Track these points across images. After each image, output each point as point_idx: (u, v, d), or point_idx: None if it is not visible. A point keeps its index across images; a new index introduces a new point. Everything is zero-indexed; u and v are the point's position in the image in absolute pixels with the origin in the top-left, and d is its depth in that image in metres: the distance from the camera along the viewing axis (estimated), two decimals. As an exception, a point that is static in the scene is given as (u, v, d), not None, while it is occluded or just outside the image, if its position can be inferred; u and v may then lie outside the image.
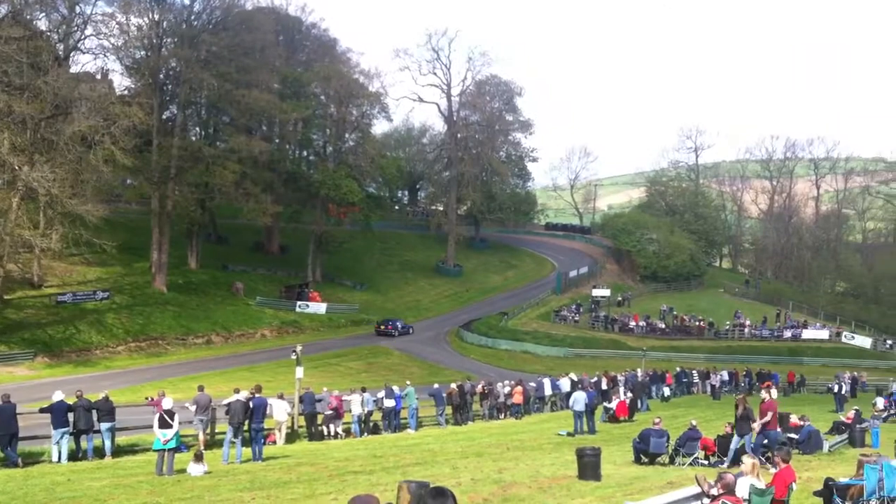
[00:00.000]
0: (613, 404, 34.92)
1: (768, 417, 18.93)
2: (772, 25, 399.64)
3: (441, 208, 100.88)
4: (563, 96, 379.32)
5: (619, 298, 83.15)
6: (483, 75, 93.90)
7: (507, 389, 36.62)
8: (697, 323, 76.56)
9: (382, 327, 66.12)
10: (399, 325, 67.03)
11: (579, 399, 29.61)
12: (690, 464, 20.00)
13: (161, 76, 61.10)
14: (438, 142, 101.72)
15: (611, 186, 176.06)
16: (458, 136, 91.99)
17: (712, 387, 49.00)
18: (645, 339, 70.19)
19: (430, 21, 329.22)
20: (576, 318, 75.38)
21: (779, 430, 19.17)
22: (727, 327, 77.19)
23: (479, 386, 37.14)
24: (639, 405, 37.00)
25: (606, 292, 79.83)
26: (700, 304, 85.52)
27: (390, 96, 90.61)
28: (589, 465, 17.00)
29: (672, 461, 20.49)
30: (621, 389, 39.18)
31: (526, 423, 34.13)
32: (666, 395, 45.96)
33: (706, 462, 20.42)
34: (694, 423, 21.58)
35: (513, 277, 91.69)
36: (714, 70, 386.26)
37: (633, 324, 74.46)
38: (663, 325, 75.92)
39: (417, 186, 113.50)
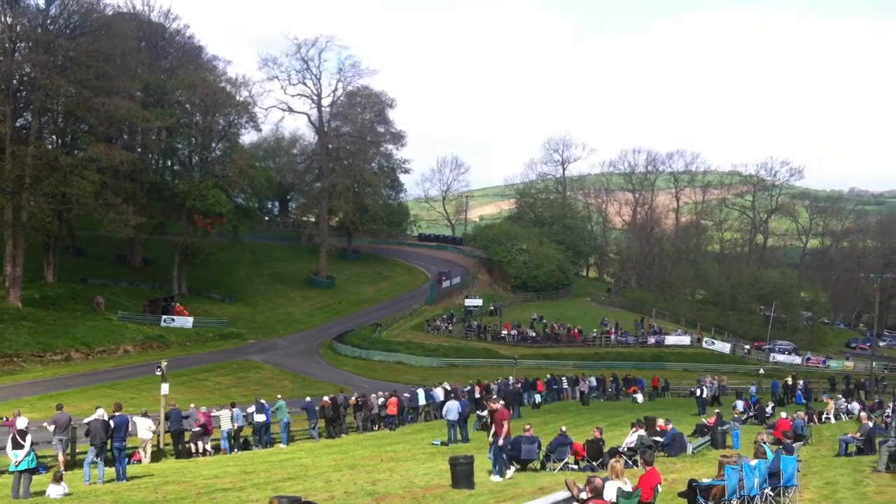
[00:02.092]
0: (486, 412, 35.28)
1: (506, 427, 18.89)
2: (635, 43, 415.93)
3: (313, 219, 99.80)
4: (435, 109, 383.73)
5: (491, 308, 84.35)
6: (354, 86, 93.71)
7: (381, 401, 36.43)
8: (566, 331, 78.40)
9: (442, 276, 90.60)
10: (450, 273, 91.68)
11: (452, 408, 29.84)
12: (561, 469, 20.35)
13: (14, 82, 58.14)
14: (309, 152, 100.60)
15: (482, 198, 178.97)
16: (330, 146, 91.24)
17: (581, 393, 50.14)
18: (516, 347, 71.38)
19: (300, 31, 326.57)
20: (449, 328, 75.98)
21: (512, 437, 19.56)
22: (594, 334, 79.41)
23: (353, 398, 36.82)
24: (511, 412, 37.47)
25: (479, 302, 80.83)
26: (568, 313, 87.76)
27: (259, 105, 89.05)
28: (462, 474, 17.06)
29: (543, 467, 20.79)
30: (494, 397, 39.61)
31: (400, 433, 34.06)
32: (537, 401, 46.86)
33: (576, 467, 20.82)
34: (564, 428, 21.98)
35: (386, 288, 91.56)
36: (580, 85, 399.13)
37: (504, 332, 75.59)
38: (534, 334, 77.35)
39: (288, 197, 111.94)
